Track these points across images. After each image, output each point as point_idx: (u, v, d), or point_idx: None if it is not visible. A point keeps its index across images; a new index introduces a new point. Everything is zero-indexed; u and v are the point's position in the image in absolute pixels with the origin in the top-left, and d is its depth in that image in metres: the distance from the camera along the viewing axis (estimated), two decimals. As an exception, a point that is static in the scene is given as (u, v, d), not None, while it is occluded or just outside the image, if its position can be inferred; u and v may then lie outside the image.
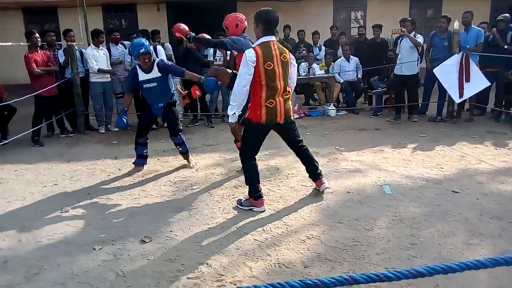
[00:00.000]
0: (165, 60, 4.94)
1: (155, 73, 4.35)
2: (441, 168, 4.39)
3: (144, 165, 4.70)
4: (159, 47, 6.86)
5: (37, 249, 2.93)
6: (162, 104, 4.46)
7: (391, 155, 4.92)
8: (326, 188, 3.73)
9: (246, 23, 4.22)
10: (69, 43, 6.55)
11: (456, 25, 6.44)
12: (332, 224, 3.13)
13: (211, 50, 7.27)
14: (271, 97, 3.31)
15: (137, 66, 4.43)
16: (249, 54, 3.23)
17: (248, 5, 11.49)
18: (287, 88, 3.44)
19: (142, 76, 4.36)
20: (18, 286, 2.48)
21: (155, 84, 4.35)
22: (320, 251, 2.73)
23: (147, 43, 4.44)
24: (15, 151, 5.70)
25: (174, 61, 6.89)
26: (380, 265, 2.55)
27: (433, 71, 6.43)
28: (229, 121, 3.45)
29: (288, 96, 3.46)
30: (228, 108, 3.40)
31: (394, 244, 2.81)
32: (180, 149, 4.70)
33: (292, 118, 3.54)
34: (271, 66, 3.25)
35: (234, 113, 3.37)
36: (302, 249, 2.78)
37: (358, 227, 3.07)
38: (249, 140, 3.51)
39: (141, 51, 4.23)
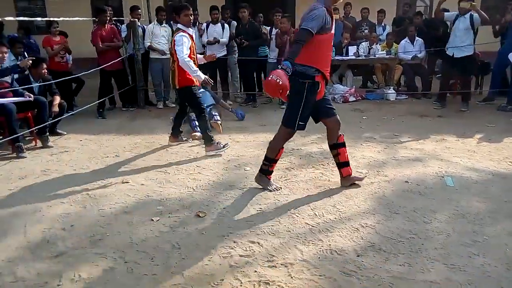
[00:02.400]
0: None
1: None
2: (510, 161, 4.07)
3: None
4: (226, 25, 6.98)
5: (100, 216, 3.12)
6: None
7: (454, 145, 4.63)
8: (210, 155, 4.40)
9: None
10: (132, 19, 6.76)
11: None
12: (388, 214, 3.03)
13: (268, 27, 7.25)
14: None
15: None
16: None
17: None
18: (173, 61, 4.41)
19: None
20: (83, 249, 2.66)
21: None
22: (375, 241, 2.66)
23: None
24: (80, 122, 6.06)
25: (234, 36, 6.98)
26: (438, 260, 2.44)
27: (508, 56, 5.90)
28: None
29: (173, 68, 4.43)
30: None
31: (454, 240, 2.66)
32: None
33: (176, 86, 4.48)
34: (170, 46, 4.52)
35: None
36: (355, 237, 2.72)
37: (416, 219, 2.94)
38: None
39: None
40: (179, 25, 4.42)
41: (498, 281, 2.22)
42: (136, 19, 6.81)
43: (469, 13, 6.01)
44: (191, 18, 4.44)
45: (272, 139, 3.49)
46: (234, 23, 7.18)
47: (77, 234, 2.84)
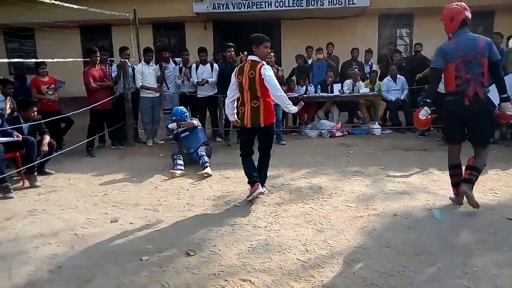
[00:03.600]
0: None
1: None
2: (495, 193, 4.16)
3: None
4: (215, 65, 7.16)
5: (88, 256, 3.06)
6: (192, 150, 5.58)
7: (440, 177, 4.72)
8: (252, 194, 4.01)
9: (467, 13, 3.63)
10: (122, 59, 6.92)
11: (511, 43, 6.17)
12: (379, 247, 3.04)
13: None
14: (241, 105, 4.08)
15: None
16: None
17: (292, 23, 11.64)
18: (257, 97, 3.96)
19: (179, 128, 5.82)
20: (71, 291, 2.59)
21: (188, 133, 5.77)
22: (366, 276, 2.66)
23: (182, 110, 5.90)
24: (69, 161, 6.03)
25: (216, 79, 7.08)
26: (430, 294, 2.44)
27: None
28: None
29: (258, 104, 3.97)
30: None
31: (444, 272, 2.68)
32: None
33: (261, 125, 4.00)
34: (240, 79, 4.00)
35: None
36: (347, 272, 2.71)
37: (406, 252, 2.96)
38: (239, 139, 4.28)
39: (173, 118, 5.83)
40: (254, 57, 3.98)
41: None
42: (126, 59, 6.97)
43: None
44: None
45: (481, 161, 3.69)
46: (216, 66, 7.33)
47: (64, 276, 2.78)
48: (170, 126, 5.91)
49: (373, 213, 3.69)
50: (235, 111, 4.30)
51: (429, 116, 3.70)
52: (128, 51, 7.21)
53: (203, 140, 5.80)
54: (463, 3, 3.65)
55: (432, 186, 4.43)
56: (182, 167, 5.28)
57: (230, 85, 4.15)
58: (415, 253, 2.94)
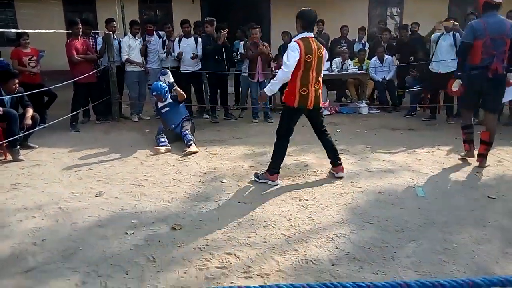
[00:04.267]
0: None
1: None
2: (477, 172, 4.25)
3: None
4: (199, 39, 6.94)
5: (73, 230, 3.05)
6: (173, 125, 5.58)
7: (424, 156, 4.80)
8: (341, 177, 4.04)
9: None
10: (107, 31, 6.72)
11: None
12: (362, 223, 3.10)
13: (241, 43, 7.29)
14: (304, 86, 3.75)
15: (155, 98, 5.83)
16: (294, 45, 3.66)
17: (282, 0, 11.44)
18: (319, 79, 3.87)
19: (159, 104, 5.77)
20: (55, 264, 2.59)
21: (168, 108, 5.68)
22: (349, 250, 2.71)
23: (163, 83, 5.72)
24: (53, 135, 5.92)
25: (202, 54, 6.91)
26: (410, 268, 2.51)
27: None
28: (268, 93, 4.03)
29: (319, 86, 3.88)
30: (267, 90, 3.97)
31: (425, 248, 2.75)
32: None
33: (320, 105, 3.96)
34: (310, 59, 3.68)
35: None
36: (330, 246, 2.77)
37: (388, 228, 3.02)
38: (284, 122, 3.96)
39: (153, 93, 5.72)
40: (311, 34, 3.79)
41: (466, 287, 2.30)
42: (111, 32, 6.78)
43: (452, 32, 6.34)
44: None
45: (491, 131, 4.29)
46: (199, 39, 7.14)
47: (48, 249, 2.77)
48: (162, 78, 5.77)
49: (357, 190, 3.74)
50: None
51: (460, 87, 4.35)
52: (114, 23, 6.98)
53: (184, 115, 5.73)
54: None
55: (416, 164, 4.50)
56: (166, 143, 5.23)
57: (290, 62, 3.64)
58: (397, 229, 3.00)
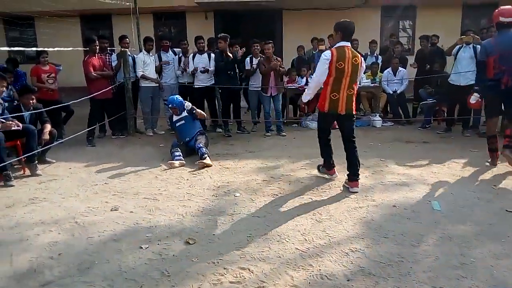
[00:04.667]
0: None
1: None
2: (494, 185, 4.17)
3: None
4: (212, 55, 7.07)
5: (89, 244, 3.08)
6: (188, 139, 5.68)
7: (440, 169, 4.74)
8: (355, 192, 4.02)
9: (501, 18, 4.55)
10: (122, 48, 6.88)
11: None
12: (377, 238, 3.06)
13: (247, 59, 7.32)
14: (335, 91, 3.97)
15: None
16: (326, 54, 3.96)
17: (294, 13, 11.57)
18: (353, 86, 4.02)
19: (175, 117, 5.87)
20: (71, 278, 2.62)
21: (183, 122, 5.78)
22: (364, 265, 2.68)
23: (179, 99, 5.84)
24: (70, 150, 6.04)
25: (214, 69, 7.02)
26: (427, 283, 2.46)
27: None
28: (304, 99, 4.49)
29: (352, 93, 4.04)
30: (303, 97, 4.44)
31: (442, 263, 2.70)
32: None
33: (353, 112, 4.10)
34: (342, 66, 3.89)
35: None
36: (345, 261, 2.74)
37: (404, 242, 2.98)
38: (319, 125, 4.39)
39: (169, 106, 5.85)
40: (348, 44, 4.00)
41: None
42: (126, 49, 6.93)
43: (472, 44, 6.33)
44: None
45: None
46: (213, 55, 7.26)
47: (65, 263, 2.80)
48: (185, 105, 5.82)
49: (372, 204, 3.71)
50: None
51: (478, 100, 4.82)
52: (127, 39, 7.16)
53: (198, 129, 5.81)
54: (504, 8, 4.53)
55: (432, 178, 4.44)
56: (181, 157, 5.28)
57: (322, 70, 3.95)
58: (413, 243, 2.96)
